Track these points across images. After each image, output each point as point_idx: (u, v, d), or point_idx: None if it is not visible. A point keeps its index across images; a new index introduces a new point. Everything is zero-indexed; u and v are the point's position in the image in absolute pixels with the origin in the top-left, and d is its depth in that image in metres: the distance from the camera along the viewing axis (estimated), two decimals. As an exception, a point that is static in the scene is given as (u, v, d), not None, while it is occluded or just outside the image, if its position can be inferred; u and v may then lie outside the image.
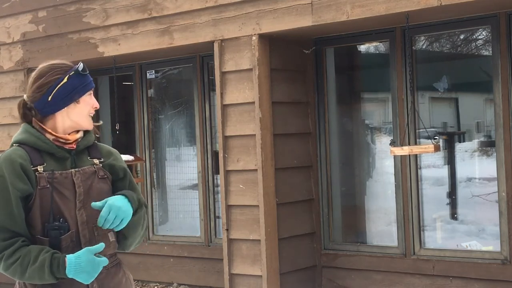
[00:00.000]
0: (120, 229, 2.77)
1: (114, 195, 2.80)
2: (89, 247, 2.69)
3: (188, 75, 8.05)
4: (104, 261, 2.71)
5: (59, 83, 2.82)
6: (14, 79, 8.19)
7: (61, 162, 2.83)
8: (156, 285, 7.89)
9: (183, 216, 8.31)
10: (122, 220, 2.74)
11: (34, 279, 2.70)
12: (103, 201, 2.74)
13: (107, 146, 3.04)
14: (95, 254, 2.69)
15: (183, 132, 8.43)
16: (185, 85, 8.24)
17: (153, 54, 7.50)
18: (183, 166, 8.37)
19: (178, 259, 7.81)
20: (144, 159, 8.10)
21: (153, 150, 8.34)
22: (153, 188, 8.30)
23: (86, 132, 2.94)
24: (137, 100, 8.30)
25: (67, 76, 2.83)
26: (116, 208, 2.72)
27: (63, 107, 2.83)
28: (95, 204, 2.73)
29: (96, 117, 2.98)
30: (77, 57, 7.35)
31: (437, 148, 5.61)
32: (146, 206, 3.04)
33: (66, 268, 2.65)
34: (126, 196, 2.79)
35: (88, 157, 2.90)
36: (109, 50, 7.37)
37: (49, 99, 2.82)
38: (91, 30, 7.49)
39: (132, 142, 8.34)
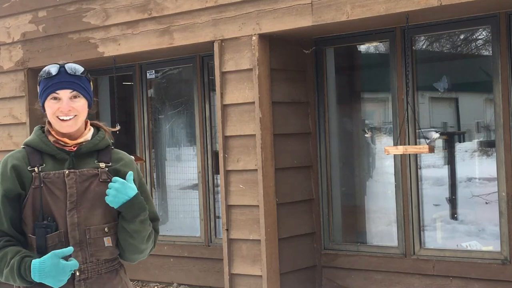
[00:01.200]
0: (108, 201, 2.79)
1: (133, 191, 2.80)
2: (55, 251, 2.67)
3: (188, 75, 8.05)
4: (73, 264, 2.67)
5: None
6: (14, 79, 8.19)
7: (60, 163, 2.84)
8: (156, 285, 7.89)
9: (183, 216, 8.31)
10: (111, 198, 2.77)
11: (10, 281, 2.74)
12: (122, 180, 2.79)
13: (122, 153, 3.01)
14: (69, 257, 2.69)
15: (183, 132, 8.43)
16: (185, 85, 8.24)
17: (153, 54, 7.50)
18: (183, 166, 8.38)
19: (178, 259, 7.81)
20: (144, 159, 8.10)
21: (153, 150, 8.35)
22: (153, 188, 8.31)
23: (96, 136, 2.93)
24: (137, 100, 8.30)
25: (39, 81, 2.89)
26: (113, 187, 2.77)
27: (44, 111, 2.89)
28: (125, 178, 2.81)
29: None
30: (77, 57, 7.36)
31: (431, 149, 5.61)
32: (159, 219, 3.02)
33: (31, 272, 2.66)
34: (130, 198, 2.79)
35: (96, 161, 2.89)
36: (109, 50, 7.37)
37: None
38: (91, 30, 7.49)
39: (132, 142, 8.34)
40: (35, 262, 2.66)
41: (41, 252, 2.72)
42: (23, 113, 8.01)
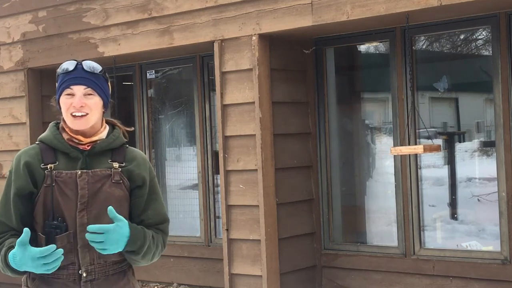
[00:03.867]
0: (100, 251, 2.67)
1: (126, 228, 2.69)
2: (18, 239, 2.60)
3: (188, 75, 8.06)
4: (39, 250, 2.58)
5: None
6: (14, 79, 8.18)
7: (73, 162, 2.80)
8: (156, 285, 7.89)
9: (183, 216, 8.31)
10: (104, 249, 2.65)
11: (7, 272, 2.76)
12: (112, 225, 2.64)
13: (137, 151, 2.96)
14: None
15: (183, 132, 8.44)
16: (185, 85, 8.24)
17: (153, 54, 7.51)
18: (183, 166, 8.38)
19: (178, 259, 7.81)
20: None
21: (153, 150, 8.35)
22: (153, 188, 8.29)
23: (110, 134, 2.89)
24: (137, 100, 8.30)
25: (57, 77, 2.86)
26: (110, 239, 2.63)
27: (60, 107, 2.84)
28: (92, 227, 2.64)
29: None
30: (77, 57, 7.35)
31: (428, 149, 5.57)
32: (168, 221, 3.00)
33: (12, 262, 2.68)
34: (129, 236, 2.70)
35: (109, 160, 2.84)
36: (109, 50, 7.37)
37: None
38: (91, 30, 7.50)
39: (132, 142, 8.34)
40: (11, 252, 2.67)
41: None
42: (23, 113, 8.00)
